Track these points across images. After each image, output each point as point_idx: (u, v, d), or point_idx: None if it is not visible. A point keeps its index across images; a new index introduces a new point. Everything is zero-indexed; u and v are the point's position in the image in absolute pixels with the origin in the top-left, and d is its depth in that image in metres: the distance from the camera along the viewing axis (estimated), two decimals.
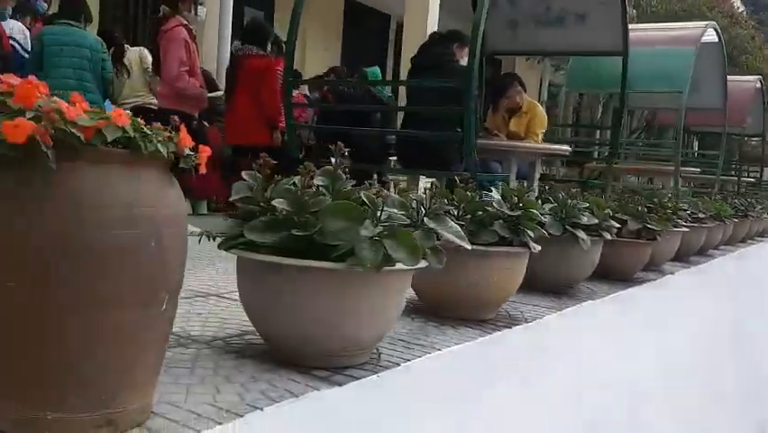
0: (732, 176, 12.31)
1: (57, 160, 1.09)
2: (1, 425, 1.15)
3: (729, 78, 9.17)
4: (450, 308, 2.30)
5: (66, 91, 4.06)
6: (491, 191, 2.47)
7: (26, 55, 5.20)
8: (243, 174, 1.77)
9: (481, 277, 2.24)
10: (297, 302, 1.61)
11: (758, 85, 10.71)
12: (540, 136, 5.66)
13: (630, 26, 5.92)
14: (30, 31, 5.42)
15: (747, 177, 12.96)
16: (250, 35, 4.96)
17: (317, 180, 1.72)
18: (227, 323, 2.09)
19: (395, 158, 7.18)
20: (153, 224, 1.18)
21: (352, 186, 1.74)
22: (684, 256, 4.56)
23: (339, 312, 1.61)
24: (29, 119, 1.06)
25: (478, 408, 2.02)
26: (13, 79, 1.17)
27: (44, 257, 1.09)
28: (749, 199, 7.87)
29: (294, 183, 1.71)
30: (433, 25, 9.33)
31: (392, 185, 5.79)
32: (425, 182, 4.91)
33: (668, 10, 14.04)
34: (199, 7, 4.36)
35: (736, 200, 7.11)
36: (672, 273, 4.10)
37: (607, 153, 10.50)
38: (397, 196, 1.78)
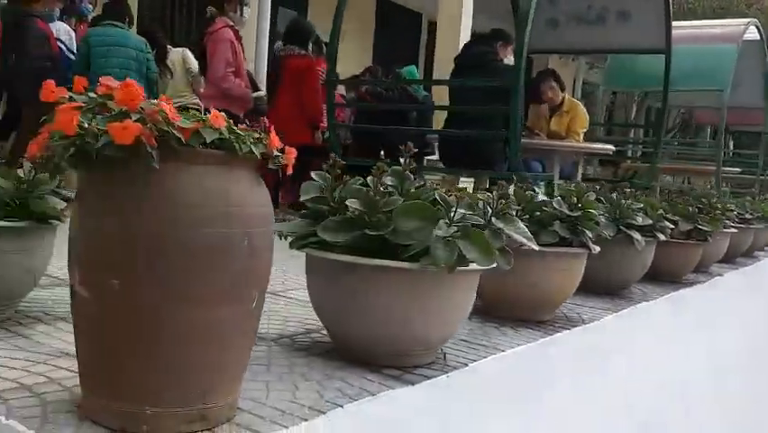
0: None
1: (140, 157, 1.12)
2: (104, 419, 1.18)
3: None
4: (508, 309, 2.29)
5: None
6: (534, 191, 2.46)
7: (72, 56, 5.29)
8: (312, 174, 1.79)
9: (541, 278, 2.23)
10: (370, 301, 1.62)
11: None
12: (581, 135, 5.61)
13: None
14: (75, 33, 5.52)
15: None
16: (291, 35, 5.00)
17: (386, 180, 1.73)
18: (289, 321, 2.11)
19: (430, 157, 7.19)
20: (245, 223, 1.20)
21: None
22: (731, 258, 4.49)
23: (410, 312, 1.62)
24: (134, 121, 1.08)
25: (540, 408, 2.02)
26: (112, 83, 1.20)
27: (144, 255, 1.12)
28: None
29: (363, 183, 1.73)
30: (466, 24, 9.27)
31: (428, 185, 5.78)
32: (464, 182, 4.91)
33: (705, 7, 13.80)
34: (245, 8, 4.41)
35: None
36: (720, 275, 4.04)
37: (640, 153, 10.40)
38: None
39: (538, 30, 6.02)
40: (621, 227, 2.74)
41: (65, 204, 1.80)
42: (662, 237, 2.93)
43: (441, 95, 6.95)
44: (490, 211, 1.81)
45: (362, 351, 1.69)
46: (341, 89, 7.07)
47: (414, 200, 1.62)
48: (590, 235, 2.33)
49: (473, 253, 1.55)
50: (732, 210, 4.26)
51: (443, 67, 8.04)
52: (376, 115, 5.85)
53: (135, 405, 1.16)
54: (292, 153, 1.32)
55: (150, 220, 1.13)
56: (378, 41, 12.32)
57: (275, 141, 1.28)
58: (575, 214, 2.29)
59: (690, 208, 3.52)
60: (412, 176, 1.77)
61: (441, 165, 5.62)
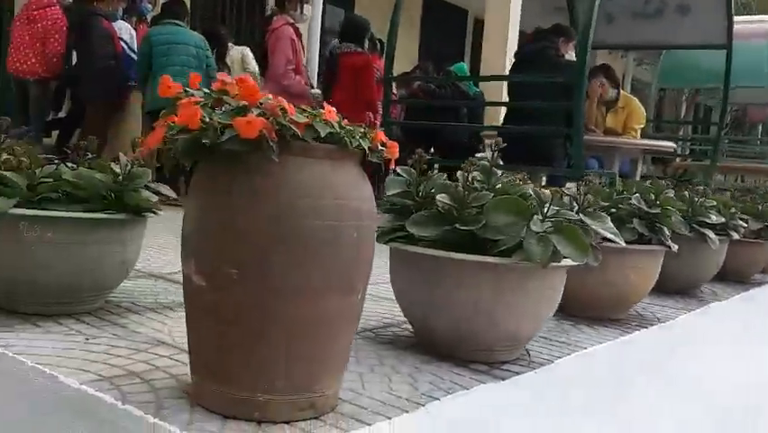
0: None
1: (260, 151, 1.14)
2: (216, 405, 1.21)
3: None
4: (583, 307, 2.27)
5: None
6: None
7: (133, 55, 5.42)
8: (398, 169, 1.80)
9: (619, 275, 2.21)
10: (460, 296, 1.62)
11: None
12: (638, 132, 5.51)
13: None
14: (135, 32, 5.64)
15: None
16: (347, 33, 5.03)
17: (474, 175, 1.74)
18: (366, 315, 2.12)
19: (480, 155, 7.16)
20: (355, 216, 1.22)
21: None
22: None
23: (499, 307, 1.63)
24: (257, 116, 1.11)
25: (622, 406, 2.00)
26: (228, 78, 1.23)
27: (261, 246, 1.15)
28: None
29: (446, 178, 1.74)
30: (515, 22, 9.20)
31: None
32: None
33: (760, 1, 13.40)
34: (305, 6, 4.44)
35: None
36: None
37: (688, 151, 10.14)
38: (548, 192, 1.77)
39: (596, 25, 5.94)
40: (694, 226, 2.69)
41: (156, 197, 1.85)
42: (735, 236, 2.86)
43: (491, 92, 6.91)
44: (576, 207, 1.80)
45: (448, 346, 1.70)
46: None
47: (504, 195, 1.62)
48: (668, 233, 2.30)
49: (568, 249, 1.55)
50: None
51: (491, 64, 7.99)
52: (428, 112, 5.85)
53: (248, 392, 1.19)
54: (395, 147, 1.34)
55: (266, 212, 1.15)
56: (423, 39, 12.29)
57: (380, 135, 1.30)
58: (654, 211, 2.26)
59: (760, 207, 3.43)
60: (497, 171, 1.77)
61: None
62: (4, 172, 1.68)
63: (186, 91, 1.22)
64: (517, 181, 1.82)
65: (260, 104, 1.15)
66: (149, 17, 6.09)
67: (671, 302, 2.72)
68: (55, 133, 5.51)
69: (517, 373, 1.65)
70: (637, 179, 4.80)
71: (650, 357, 2.21)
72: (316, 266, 1.18)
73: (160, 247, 2.99)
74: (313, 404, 1.23)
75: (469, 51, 13.31)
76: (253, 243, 1.15)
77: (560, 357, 1.82)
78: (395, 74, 7.58)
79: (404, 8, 4.92)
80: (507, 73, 6.95)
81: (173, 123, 1.20)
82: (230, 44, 5.39)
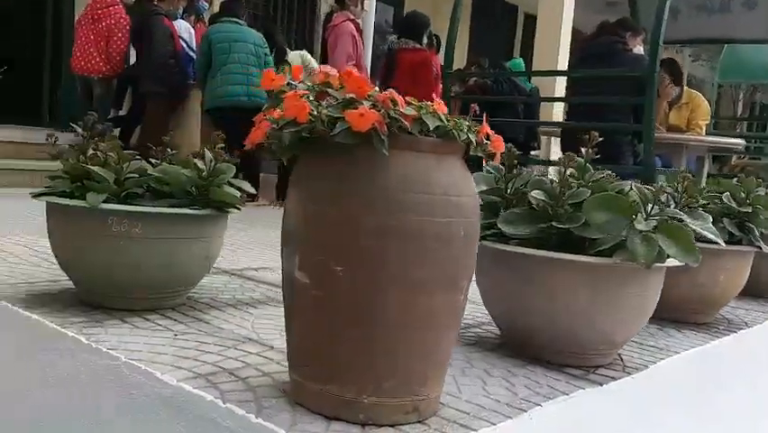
0: None
1: (369, 144, 1.10)
2: (318, 405, 1.18)
3: None
4: (669, 310, 2.16)
5: (237, 85, 4.18)
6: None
7: (191, 53, 5.48)
8: (487, 165, 1.75)
9: (709, 277, 2.11)
10: (554, 298, 1.56)
11: None
12: (704, 129, 5.33)
13: None
14: (194, 30, 5.70)
15: None
16: (406, 29, 4.98)
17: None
18: None
19: (535, 151, 7.03)
20: (461, 212, 1.17)
21: None
22: None
23: (596, 309, 1.56)
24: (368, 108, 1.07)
25: (713, 411, 1.90)
26: (331, 70, 1.20)
27: (370, 242, 1.11)
28: None
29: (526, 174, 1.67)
30: (568, 19, 9.05)
31: None
32: None
33: None
34: (365, 1, 4.42)
35: None
36: None
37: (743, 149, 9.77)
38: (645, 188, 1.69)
39: None
40: None
41: (239, 193, 1.84)
42: None
43: (543, 89, 6.79)
44: (673, 205, 1.72)
45: (540, 348, 1.63)
46: None
47: (602, 192, 1.55)
48: (758, 233, 2.19)
49: (673, 249, 1.47)
50: None
51: (543, 60, 7.85)
52: (483, 107, 5.77)
53: (353, 393, 1.15)
54: (500, 141, 1.28)
55: (374, 207, 1.11)
56: (473, 34, 12.16)
57: (486, 128, 1.24)
58: (744, 210, 2.15)
59: None
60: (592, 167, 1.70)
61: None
62: (93, 167, 1.69)
63: (289, 84, 1.19)
64: (608, 178, 1.75)
65: (369, 96, 1.11)
66: (205, 16, 6.16)
67: (756, 306, 2.60)
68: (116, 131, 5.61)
69: (614, 379, 1.58)
70: (704, 177, 4.63)
71: (745, 362, 2.11)
72: (425, 263, 1.13)
73: (231, 244, 2.99)
74: (417, 407, 1.19)
75: (519, 47, 13.13)
76: (361, 238, 1.11)
77: (653, 362, 1.74)
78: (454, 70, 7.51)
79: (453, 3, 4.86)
80: (565, 69, 6.84)
81: (275, 117, 1.17)
82: (286, 49, 5.41)
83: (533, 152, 6.94)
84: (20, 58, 7.94)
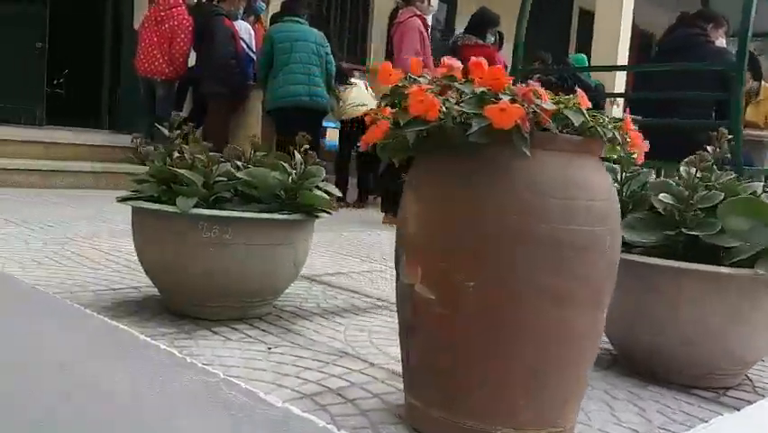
0: None
1: (506, 143, 0.98)
2: None
3: None
4: None
5: (299, 85, 4.04)
6: None
7: (251, 54, 5.44)
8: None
9: None
10: (682, 313, 1.41)
11: None
12: None
13: None
14: (254, 31, 5.67)
15: None
16: (472, 25, 4.84)
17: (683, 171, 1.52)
18: None
19: None
20: (605, 219, 1.04)
21: None
22: None
23: (731, 326, 1.40)
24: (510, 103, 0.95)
25: None
26: (454, 62, 1.08)
27: (506, 254, 0.99)
28: None
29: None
30: (628, 14, 8.76)
31: None
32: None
33: None
34: None
35: None
36: None
37: None
38: None
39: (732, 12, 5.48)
40: None
41: (328, 197, 1.74)
42: None
43: (608, 84, 6.53)
44: None
45: (661, 367, 1.49)
46: None
47: (740, 196, 1.39)
48: None
49: None
50: None
51: (602, 57, 7.58)
52: None
53: (483, 423, 1.03)
54: (640, 138, 1.14)
55: (510, 213, 0.99)
56: (527, 29, 11.88)
57: (629, 124, 1.11)
58: None
59: None
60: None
61: None
62: (182, 170, 1.61)
63: (410, 78, 1.08)
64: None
65: (507, 89, 0.98)
66: (263, 16, 6.12)
67: None
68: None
69: (748, 402, 1.42)
70: None
71: None
72: (567, 276, 1.01)
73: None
74: None
75: (574, 42, 12.81)
76: (494, 249, 0.99)
77: None
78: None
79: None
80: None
81: (394, 114, 1.06)
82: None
83: None
84: (80, 61, 8.11)
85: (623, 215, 1.52)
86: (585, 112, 1.02)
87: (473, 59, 1.05)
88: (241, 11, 5.39)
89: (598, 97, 6.15)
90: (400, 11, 4.18)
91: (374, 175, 5.86)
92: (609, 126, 1.05)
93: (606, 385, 1.45)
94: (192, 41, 5.14)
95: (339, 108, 5.48)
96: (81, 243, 2.63)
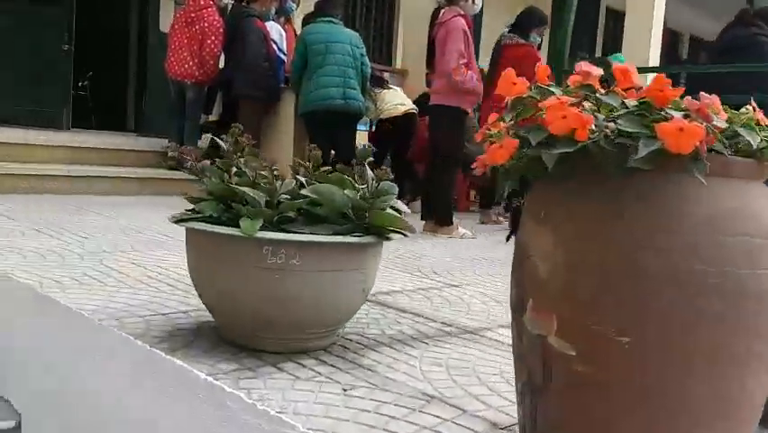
0: None
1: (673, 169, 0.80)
2: None
3: None
4: None
5: (333, 88, 3.84)
6: None
7: (282, 56, 5.29)
8: None
9: None
10: None
11: None
12: None
13: None
14: (285, 32, 5.52)
15: None
16: (517, 24, 4.66)
17: None
18: None
19: None
20: None
21: None
22: None
23: None
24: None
25: None
26: (592, 68, 0.91)
27: (673, 304, 0.81)
28: None
29: None
30: (660, 13, 8.54)
31: None
32: None
33: None
34: None
35: None
36: None
37: None
38: None
39: None
40: None
41: (399, 216, 1.57)
42: None
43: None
44: None
45: None
46: None
47: None
48: None
49: None
50: None
51: (633, 58, 7.35)
52: None
53: None
54: None
55: (678, 255, 0.82)
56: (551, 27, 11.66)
57: None
58: None
59: None
60: None
61: None
62: (244, 188, 1.45)
63: (539, 88, 0.91)
64: None
65: (675, 103, 0.81)
66: (293, 17, 5.98)
67: None
68: (205, 137, 5.49)
69: None
70: None
71: None
72: (750, 335, 0.83)
73: None
74: None
75: (601, 42, 12.56)
76: (657, 299, 0.82)
77: None
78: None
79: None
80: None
81: (518, 130, 0.89)
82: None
83: None
84: (105, 63, 8.03)
85: None
86: (759, 130, 0.85)
87: (619, 65, 0.88)
88: (272, 12, 5.24)
89: None
90: (442, 10, 4.00)
91: (409, 180, 5.69)
92: None
93: None
94: (223, 43, 5.00)
95: (377, 109, 5.33)
96: (119, 257, 2.49)
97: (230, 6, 5.44)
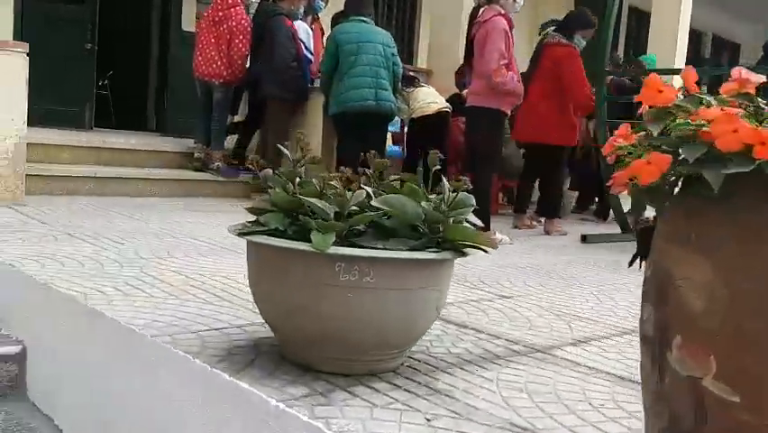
0: None
1: None
2: None
3: None
4: None
5: (366, 89, 3.68)
6: None
7: (309, 55, 5.19)
8: None
9: None
10: None
11: None
12: None
13: None
14: (312, 31, 5.42)
15: None
16: (563, 23, 4.54)
17: None
18: None
19: None
20: None
21: None
22: None
23: None
24: None
25: None
26: (751, 75, 0.80)
27: None
28: None
29: None
30: (686, 13, 8.41)
31: None
32: None
33: None
34: None
35: None
36: None
37: None
38: None
39: None
40: None
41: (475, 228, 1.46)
42: None
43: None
44: None
45: None
46: None
47: None
48: None
49: None
50: None
51: (658, 57, 7.22)
52: (623, 109, 5.25)
53: None
54: None
55: None
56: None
57: None
58: None
59: None
60: None
61: None
62: (312, 199, 1.35)
63: (693, 97, 0.79)
64: None
65: None
66: (321, 15, 5.88)
67: None
68: (230, 138, 5.40)
69: None
70: None
71: None
72: None
73: None
74: None
75: (623, 41, 12.38)
76: None
77: None
78: None
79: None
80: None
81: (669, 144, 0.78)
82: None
83: None
84: (126, 62, 7.97)
85: None
86: None
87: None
88: (301, 10, 5.14)
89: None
90: (482, 9, 3.88)
91: None
92: None
93: None
94: (251, 43, 4.90)
95: (410, 108, 5.23)
96: (158, 264, 2.40)
97: (255, 4, 5.35)
